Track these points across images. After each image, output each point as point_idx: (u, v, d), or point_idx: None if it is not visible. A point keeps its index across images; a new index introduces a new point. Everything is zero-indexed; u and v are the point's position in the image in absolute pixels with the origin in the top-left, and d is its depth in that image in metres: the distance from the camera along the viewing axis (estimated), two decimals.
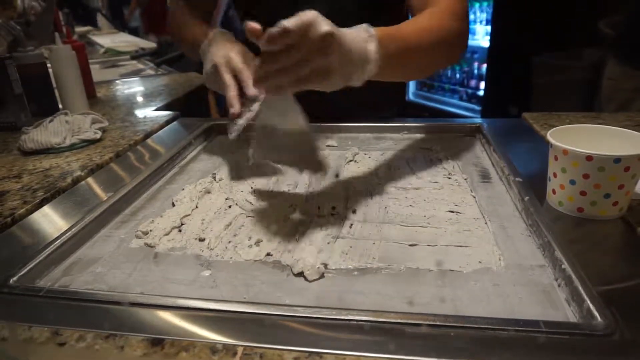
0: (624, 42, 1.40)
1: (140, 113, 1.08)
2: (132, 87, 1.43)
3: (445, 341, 0.37)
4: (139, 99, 1.28)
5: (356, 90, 0.60)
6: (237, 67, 0.65)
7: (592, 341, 0.36)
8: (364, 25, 0.55)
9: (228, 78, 0.65)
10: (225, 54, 0.68)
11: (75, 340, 0.38)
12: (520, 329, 0.37)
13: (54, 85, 1.06)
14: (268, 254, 0.52)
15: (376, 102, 0.95)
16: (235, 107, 0.62)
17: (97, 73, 1.67)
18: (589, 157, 0.51)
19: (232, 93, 0.64)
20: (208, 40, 0.71)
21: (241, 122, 0.66)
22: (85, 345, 0.38)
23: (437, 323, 0.38)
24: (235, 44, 0.69)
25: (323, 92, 0.56)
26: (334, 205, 0.62)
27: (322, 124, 0.90)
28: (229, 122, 0.70)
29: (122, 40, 2.78)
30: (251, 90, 0.62)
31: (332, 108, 0.87)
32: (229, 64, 0.67)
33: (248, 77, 0.64)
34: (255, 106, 0.64)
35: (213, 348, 0.37)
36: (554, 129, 0.57)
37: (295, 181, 0.70)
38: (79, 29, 3.35)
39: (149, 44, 2.55)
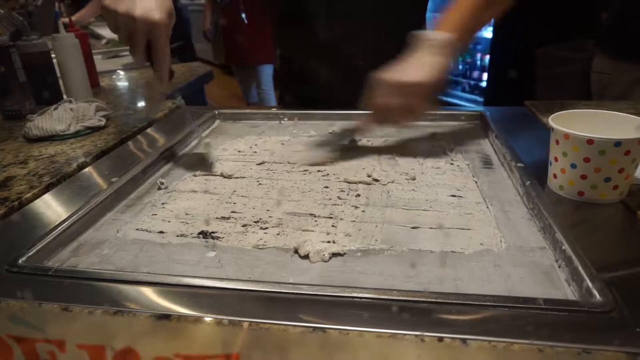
0: (617, 35, 1.39)
1: (143, 102, 1.08)
2: (135, 77, 1.44)
3: (446, 317, 0.37)
4: (142, 88, 1.28)
5: None
6: None
7: (591, 318, 0.37)
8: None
9: None
10: None
11: (85, 315, 0.39)
12: (520, 305, 0.38)
13: (58, 73, 1.06)
14: (272, 236, 0.52)
15: None
16: None
17: (100, 63, 1.66)
18: (590, 141, 0.51)
19: None
20: None
21: None
22: (95, 320, 0.39)
23: (439, 300, 0.39)
24: None
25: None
26: (338, 189, 0.62)
27: (325, 112, 0.91)
28: None
29: None
30: None
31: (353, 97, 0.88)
32: None
33: None
34: None
35: (219, 323, 0.37)
36: (556, 114, 0.57)
37: (299, 166, 0.71)
38: None
39: None
